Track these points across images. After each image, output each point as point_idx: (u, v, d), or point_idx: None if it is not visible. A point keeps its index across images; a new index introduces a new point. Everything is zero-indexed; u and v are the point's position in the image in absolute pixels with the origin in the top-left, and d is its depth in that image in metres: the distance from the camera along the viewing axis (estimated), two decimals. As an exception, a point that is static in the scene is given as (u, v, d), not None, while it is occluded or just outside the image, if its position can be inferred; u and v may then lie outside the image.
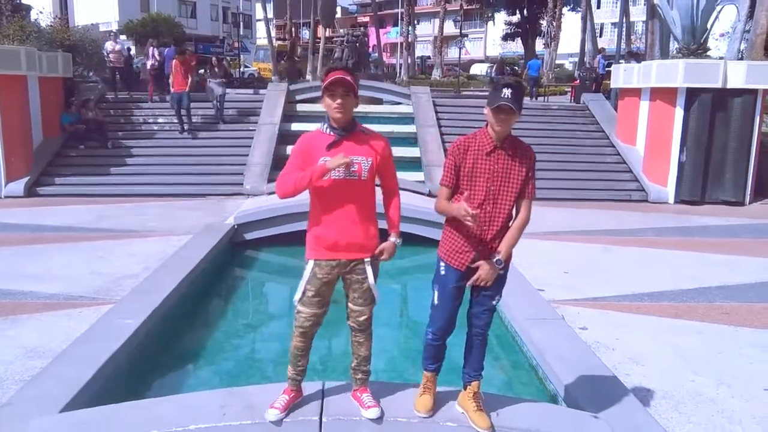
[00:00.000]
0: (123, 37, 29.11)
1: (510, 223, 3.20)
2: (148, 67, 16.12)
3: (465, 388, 3.34)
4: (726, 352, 4.86)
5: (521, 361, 5.07)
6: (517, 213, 3.20)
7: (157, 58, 16.01)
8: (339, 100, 2.99)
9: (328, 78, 3.00)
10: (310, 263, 3.14)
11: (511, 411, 3.44)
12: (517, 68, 34.15)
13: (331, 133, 3.09)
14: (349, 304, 3.23)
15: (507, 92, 2.97)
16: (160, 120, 14.21)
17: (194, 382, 4.79)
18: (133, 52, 16.82)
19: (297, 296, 3.19)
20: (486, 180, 3.10)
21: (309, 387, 3.47)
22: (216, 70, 14.36)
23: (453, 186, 3.16)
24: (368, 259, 3.15)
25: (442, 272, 3.22)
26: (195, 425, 3.19)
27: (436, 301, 3.25)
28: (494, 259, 3.14)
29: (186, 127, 13.62)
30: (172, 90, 13.43)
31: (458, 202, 3.05)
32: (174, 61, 13.53)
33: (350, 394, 3.38)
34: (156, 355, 5.07)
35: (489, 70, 29.23)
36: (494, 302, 3.26)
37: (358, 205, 3.10)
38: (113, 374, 4.27)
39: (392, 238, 3.20)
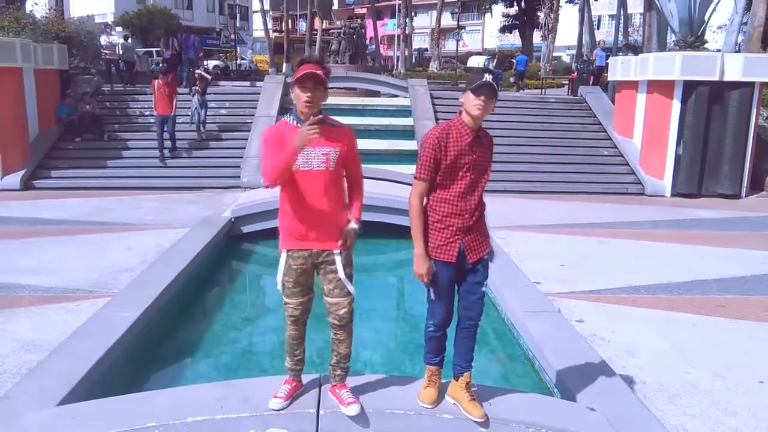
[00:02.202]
0: (119, 29, 28.94)
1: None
2: (168, 56, 16.48)
3: (456, 379, 3.36)
4: (721, 344, 4.88)
5: (517, 354, 5.09)
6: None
7: (177, 48, 16.39)
8: (309, 94, 3.01)
9: (299, 71, 3.00)
10: (283, 254, 3.17)
11: (508, 403, 3.46)
12: (513, 60, 34.13)
13: (298, 124, 3.09)
14: (326, 299, 3.22)
15: (488, 77, 3.06)
16: (157, 112, 14.14)
17: (191, 375, 4.79)
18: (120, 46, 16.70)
19: (278, 287, 3.23)
20: (468, 171, 3.13)
21: (306, 379, 3.48)
22: (196, 85, 13.26)
23: (431, 180, 3.15)
24: (338, 251, 3.15)
25: (433, 268, 3.21)
26: (192, 418, 3.20)
27: (432, 297, 3.25)
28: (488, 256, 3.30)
29: (167, 154, 12.48)
30: (155, 112, 12.20)
31: (424, 243, 3.16)
32: (156, 81, 12.18)
33: (328, 390, 3.37)
34: (153, 348, 5.07)
35: (487, 63, 29.20)
36: (484, 288, 3.28)
37: (328, 195, 3.11)
38: (110, 367, 4.27)
39: (352, 224, 3.19)
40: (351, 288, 3.19)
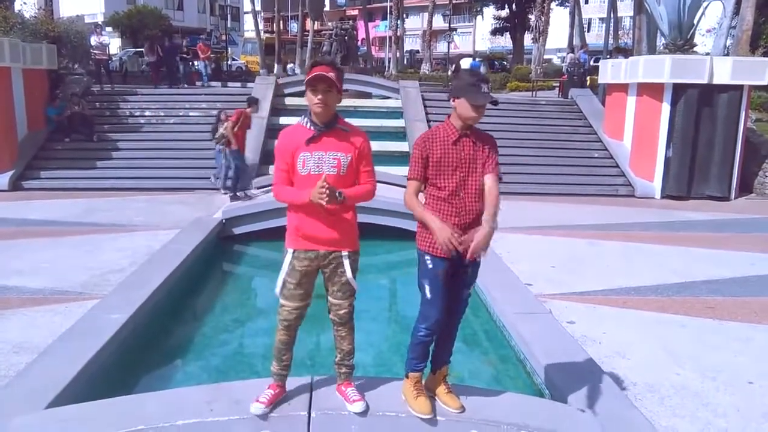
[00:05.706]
0: (109, 29, 28.76)
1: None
2: (153, 60, 17.55)
3: (434, 372, 3.39)
4: (711, 345, 4.91)
5: (509, 355, 5.09)
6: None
7: (160, 54, 17.44)
8: (320, 96, 3.02)
9: (310, 73, 3.03)
10: (289, 253, 3.17)
11: (499, 405, 3.46)
12: (506, 63, 34.33)
13: (311, 127, 3.11)
14: (329, 298, 3.25)
15: (485, 87, 3.09)
16: (147, 113, 14.08)
17: (181, 377, 4.76)
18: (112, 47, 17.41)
19: (277, 288, 3.21)
20: (455, 169, 3.14)
21: (297, 382, 3.47)
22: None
23: (421, 178, 3.20)
24: (346, 253, 3.16)
25: (430, 265, 3.18)
26: (182, 421, 3.18)
27: (428, 296, 3.19)
28: (489, 226, 3.08)
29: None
30: (233, 147, 10.12)
31: (437, 217, 3.08)
32: (240, 111, 10.29)
33: (335, 388, 3.38)
34: (143, 350, 5.03)
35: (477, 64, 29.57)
36: (469, 291, 3.29)
37: None
38: (100, 370, 4.24)
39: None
40: (356, 286, 3.22)
